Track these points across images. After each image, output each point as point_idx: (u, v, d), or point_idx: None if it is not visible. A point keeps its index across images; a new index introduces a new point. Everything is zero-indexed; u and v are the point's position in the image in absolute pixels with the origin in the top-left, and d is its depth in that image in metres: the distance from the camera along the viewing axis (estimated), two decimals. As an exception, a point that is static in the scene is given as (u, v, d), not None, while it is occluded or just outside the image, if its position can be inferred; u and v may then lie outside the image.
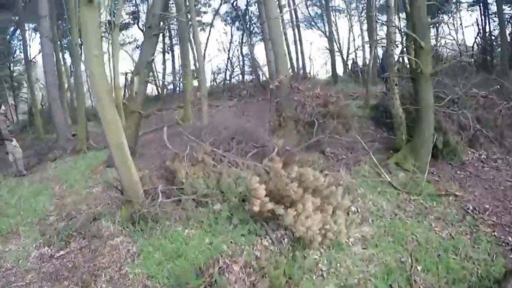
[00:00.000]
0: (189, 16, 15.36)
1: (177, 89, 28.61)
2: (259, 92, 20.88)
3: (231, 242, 6.89)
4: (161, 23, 12.54)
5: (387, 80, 17.20)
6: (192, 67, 19.83)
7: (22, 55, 25.37)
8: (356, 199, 8.29)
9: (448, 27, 24.39)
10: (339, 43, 28.09)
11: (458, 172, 9.79)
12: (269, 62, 17.53)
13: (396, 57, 11.42)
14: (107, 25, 9.78)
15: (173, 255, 6.60)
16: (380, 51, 21.56)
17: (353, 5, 28.61)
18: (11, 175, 12.74)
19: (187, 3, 15.31)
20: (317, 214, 6.66)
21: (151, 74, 17.56)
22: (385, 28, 23.53)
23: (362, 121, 13.02)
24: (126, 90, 28.23)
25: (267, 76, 25.93)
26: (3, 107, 14.05)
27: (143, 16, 29.20)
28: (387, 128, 12.35)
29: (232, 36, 30.29)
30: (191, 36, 16.99)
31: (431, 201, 8.27)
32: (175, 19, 19.78)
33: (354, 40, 28.66)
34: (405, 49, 11.46)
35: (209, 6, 29.39)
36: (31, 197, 9.85)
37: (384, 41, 13.66)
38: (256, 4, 23.49)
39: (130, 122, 11.64)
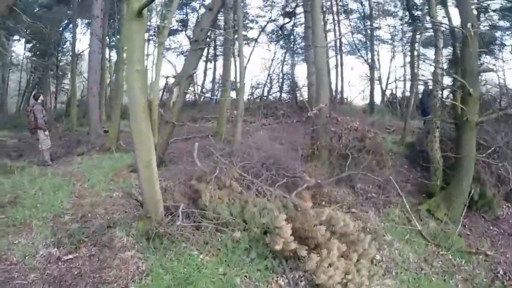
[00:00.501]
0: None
1: (215, 98, 28.28)
2: (294, 114, 20.23)
3: (246, 276, 6.34)
4: (208, 38, 12.17)
5: (425, 116, 16.71)
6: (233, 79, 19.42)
7: (70, 47, 25.93)
8: (382, 246, 7.73)
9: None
10: (380, 72, 27.34)
11: (491, 227, 9.28)
12: (309, 85, 16.99)
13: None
14: (156, 29, 9.47)
15: (183, 281, 6.06)
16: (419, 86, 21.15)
17: (398, 36, 27.58)
18: (37, 163, 12.73)
19: (235, 19, 14.87)
20: (340, 261, 6.20)
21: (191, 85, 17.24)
22: (427, 62, 23.33)
23: (396, 157, 12.35)
24: (164, 93, 28.48)
25: (305, 98, 25.77)
26: (41, 97, 14.04)
27: (191, 25, 29.28)
28: (421, 169, 11.73)
29: (275, 53, 29.96)
30: (236, 53, 16.63)
31: (460, 258, 7.78)
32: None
33: (395, 70, 27.77)
34: (450, 94, 10.72)
35: (256, 23, 29.16)
36: (51, 190, 9.49)
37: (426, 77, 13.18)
38: (303, 27, 23.10)
39: (163, 131, 11.34)
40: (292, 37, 28.87)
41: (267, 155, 9.43)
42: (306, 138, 12.43)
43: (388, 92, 26.87)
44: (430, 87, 16.49)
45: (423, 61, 23.32)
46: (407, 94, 25.42)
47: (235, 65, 18.13)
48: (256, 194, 7.85)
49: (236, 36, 14.18)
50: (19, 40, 28.57)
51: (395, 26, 24.55)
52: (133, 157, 12.36)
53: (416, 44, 21.23)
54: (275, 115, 20.44)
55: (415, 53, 22.78)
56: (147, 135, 6.52)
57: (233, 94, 21.52)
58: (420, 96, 17.76)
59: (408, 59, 26.01)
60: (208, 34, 12.03)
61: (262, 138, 13.61)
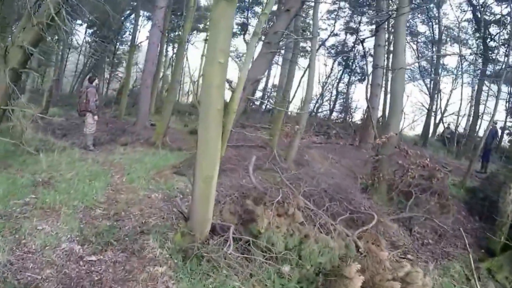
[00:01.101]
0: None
1: (265, 106, 27.33)
2: (347, 135, 19.00)
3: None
4: (280, 42, 11.08)
5: (487, 159, 15.33)
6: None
7: (129, 37, 25.92)
8: None
9: None
10: (438, 103, 25.41)
11: None
12: (371, 108, 15.65)
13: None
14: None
15: (216, 315, 4.96)
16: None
17: (465, 66, 25.56)
18: (80, 145, 12.14)
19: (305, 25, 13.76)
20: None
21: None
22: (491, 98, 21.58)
23: (454, 202, 10.84)
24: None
25: (356, 120, 24.55)
26: (96, 80, 13.56)
27: (250, 29, 28.53)
28: (480, 219, 10.51)
29: (331, 69, 28.68)
30: (305, 62, 15.59)
31: None
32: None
33: (453, 103, 25.98)
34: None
35: (318, 35, 27.93)
36: (87, 178, 8.75)
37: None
38: (370, 48, 21.95)
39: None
40: (352, 54, 27.39)
41: (329, 181, 8.48)
42: (367, 166, 11.36)
43: (442, 126, 25.05)
44: (497, 128, 15.24)
45: (488, 96, 22.15)
46: (461, 130, 24.04)
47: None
48: (318, 227, 6.70)
49: (304, 44, 13.00)
50: (81, 24, 28.88)
51: (463, 55, 22.52)
52: (178, 156, 11.49)
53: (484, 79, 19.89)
54: (327, 134, 19.15)
55: (484, 87, 21.39)
56: (216, 146, 5.52)
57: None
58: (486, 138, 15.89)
59: (468, 92, 24.80)
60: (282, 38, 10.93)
61: (316, 158, 12.56)
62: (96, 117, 12.17)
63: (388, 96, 19.31)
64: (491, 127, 15.08)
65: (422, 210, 9.49)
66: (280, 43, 11.71)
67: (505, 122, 22.16)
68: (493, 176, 12.13)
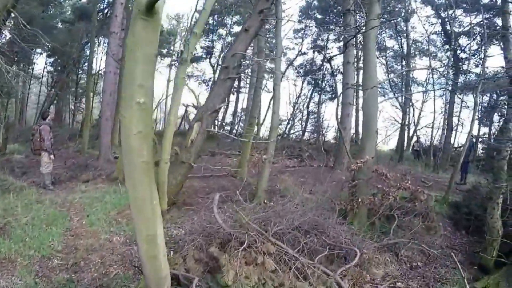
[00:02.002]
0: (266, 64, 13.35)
1: (234, 131, 26.68)
2: (320, 157, 18.52)
3: None
4: (240, 66, 10.49)
5: (465, 170, 15.12)
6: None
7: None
8: None
9: None
10: (411, 117, 25.33)
11: None
12: (344, 129, 15.22)
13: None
14: (179, 54, 7.74)
15: None
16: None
17: (436, 79, 25.36)
18: (39, 184, 11.50)
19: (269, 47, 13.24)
20: None
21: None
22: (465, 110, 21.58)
23: (438, 218, 10.39)
24: (183, 123, 27.01)
25: (329, 140, 24.14)
26: (49, 117, 12.93)
27: (216, 52, 28.10)
28: (467, 233, 10.27)
29: (301, 89, 28.39)
30: (268, 86, 15.01)
31: None
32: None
33: (425, 116, 25.99)
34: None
35: (285, 55, 27.65)
36: (45, 222, 8.08)
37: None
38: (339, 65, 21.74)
39: (177, 172, 9.54)
40: (321, 73, 27.13)
41: (303, 214, 7.76)
42: (344, 191, 10.78)
43: (414, 140, 24.58)
44: (474, 140, 15.00)
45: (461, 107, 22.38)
46: (436, 142, 24.04)
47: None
48: (294, 271, 5.99)
49: (271, 65, 12.41)
50: (41, 53, 28.04)
51: (434, 68, 22.04)
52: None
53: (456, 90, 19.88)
54: (300, 157, 18.68)
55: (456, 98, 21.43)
56: (149, 204, 4.56)
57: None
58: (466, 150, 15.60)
59: (441, 104, 24.74)
60: (241, 61, 10.37)
61: (289, 185, 11.96)
62: (52, 156, 11.45)
63: (360, 113, 19.07)
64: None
65: (407, 233, 9.04)
66: (241, 67, 11.14)
67: (478, 132, 22.52)
68: (475, 189, 11.88)
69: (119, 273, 6.36)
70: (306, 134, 26.43)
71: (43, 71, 29.59)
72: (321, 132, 24.39)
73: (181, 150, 9.61)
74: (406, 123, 23.85)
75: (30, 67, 28.46)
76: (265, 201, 10.36)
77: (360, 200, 9.32)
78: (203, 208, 8.71)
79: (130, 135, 4.09)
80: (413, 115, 24.93)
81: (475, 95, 13.43)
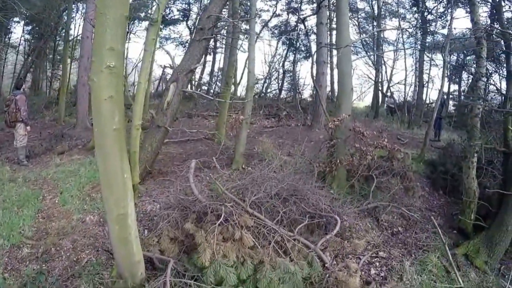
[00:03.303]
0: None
1: (212, 91, 25.80)
2: (298, 116, 18.03)
3: None
4: (215, 28, 9.74)
5: (439, 127, 15.05)
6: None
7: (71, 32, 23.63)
8: None
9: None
10: (384, 75, 24.79)
11: None
12: (320, 87, 14.62)
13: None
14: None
15: None
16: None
17: (405, 38, 25.27)
18: (13, 160, 10.58)
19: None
20: None
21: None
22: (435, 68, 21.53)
23: (416, 177, 9.94)
24: (160, 84, 25.98)
25: (306, 98, 23.51)
26: (24, 86, 11.68)
27: (193, 15, 26.77)
28: (444, 193, 9.93)
29: (276, 49, 27.44)
30: (244, 47, 14.20)
31: None
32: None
33: (397, 73, 25.84)
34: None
35: (260, 17, 26.48)
36: (16, 204, 7.38)
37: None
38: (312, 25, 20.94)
39: (153, 138, 8.84)
40: (295, 33, 26.15)
41: (281, 179, 7.16)
42: (322, 151, 10.21)
43: (389, 96, 24.27)
44: (445, 97, 14.83)
45: (431, 66, 22.64)
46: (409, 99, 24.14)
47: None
48: (273, 246, 5.49)
49: (246, 27, 11.59)
50: (18, 22, 26.11)
51: (404, 29, 22.40)
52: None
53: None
54: (277, 116, 18.06)
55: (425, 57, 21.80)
56: (121, 177, 4.08)
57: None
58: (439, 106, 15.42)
59: (412, 62, 25.31)
60: (216, 22, 9.61)
61: (268, 147, 11.36)
62: (28, 127, 10.47)
63: (335, 71, 18.65)
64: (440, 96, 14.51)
65: (386, 196, 8.71)
66: (217, 28, 10.35)
67: (448, 89, 22.52)
68: (450, 147, 11.48)
69: (92, 259, 5.80)
70: (283, 92, 25.71)
71: (20, 40, 27.90)
72: (297, 91, 23.72)
73: (157, 113, 8.90)
74: (380, 80, 23.38)
75: (7, 37, 26.77)
76: (243, 166, 9.89)
77: (338, 161, 8.82)
78: (179, 178, 8.14)
79: (100, 100, 3.72)
80: (386, 73, 24.71)
81: (443, 54, 13.21)
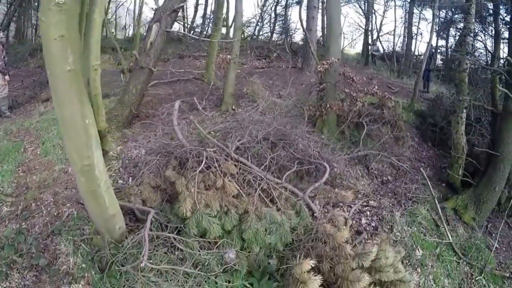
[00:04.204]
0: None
1: (204, 34, 24.80)
2: (288, 58, 17.32)
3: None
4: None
5: (428, 78, 14.86)
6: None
7: None
8: (414, 265, 6.01)
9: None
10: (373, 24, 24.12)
11: None
12: (310, 31, 13.97)
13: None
14: None
15: None
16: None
17: None
18: None
19: None
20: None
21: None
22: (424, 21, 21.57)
23: (406, 127, 9.82)
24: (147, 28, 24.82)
25: (297, 42, 22.75)
26: (2, 34, 10.81)
27: None
28: (433, 145, 10.06)
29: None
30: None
31: (493, 284, 6.35)
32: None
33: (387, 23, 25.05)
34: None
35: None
36: None
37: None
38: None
39: (137, 80, 8.36)
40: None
41: (269, 122, 6.79)
42: (312, 95, 9.83)
43: (380, 45, 23.55)
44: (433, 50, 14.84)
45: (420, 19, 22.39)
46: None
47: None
48: (259, 193, 5.19)
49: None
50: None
51: None
52: (104, 106, 9.59)
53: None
54: (268, 58, 17.42)
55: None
56: (81, 123, 3.62)
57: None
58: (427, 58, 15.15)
59: (401, 13, 24.08)
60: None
61: (258, 89, 10.87)
62: (7, 76, 9.69)
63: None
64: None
65: (376, 144, 8.55)
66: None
67: (437, 43, 21.98)
68: (438, 99, 11.33)
69: (73, 213, 5.48)
70: (274, 36, 24.76)
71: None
72: (288, 34, 22.90)
73: (140, 54, 8.38)
74: (369, 28, 22.98)
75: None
76: (233, 107, 9.49)
77: (328, 105, 8.46)
78: (164, 121, 7.77)
79: (49, 40, 3.20)
80: (375, 22, 24.10)
81: (433, 8, 13.58)
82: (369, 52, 21.58)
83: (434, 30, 14.28)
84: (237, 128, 6.37)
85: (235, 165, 5.26)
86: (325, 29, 20.45)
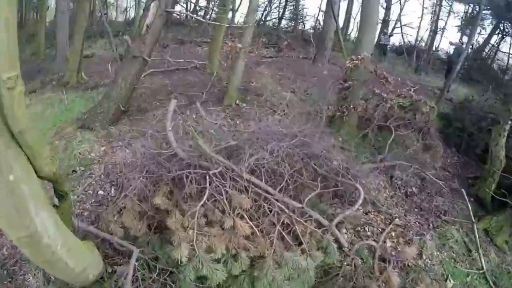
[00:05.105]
0: None
1: (208, 17, 23.34)
2: (299, 47, 16.34)
3: None
4: None
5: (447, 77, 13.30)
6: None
7: None
8: None
9: None
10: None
11: None
12: (326, 15, 12.88)
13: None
14: None
15: None
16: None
17: None
18: None
19: None
20: None
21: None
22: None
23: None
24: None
25: (308, 29, 21.49)
26: None
27: None
28: (458, 151, 9.03)
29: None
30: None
31: None
32: None
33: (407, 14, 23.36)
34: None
35: None
36: None
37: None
38: None
39: (127, 71, 7.17)
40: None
41: (286, 127, 5.63)
42: (332, 92, 8.50)
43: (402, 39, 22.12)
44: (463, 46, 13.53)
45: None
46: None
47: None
48: (279, 230, 4.01)
49: None
50: None
51: None
52: (89, 100, 8.43)
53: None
54: (277, 46, 16.25)
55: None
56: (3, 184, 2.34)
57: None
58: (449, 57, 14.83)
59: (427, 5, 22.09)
60: None
61: (267, 82, 9.69)
62: None
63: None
64: (455, 46, 14.19)
65: (403, 152, 7.56)
66: None
67: (461, 40, 19.96)
68: (468, 102, 10.38)
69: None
70: (284, 22, 23.37)
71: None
72: (299, 20, 21.52)
73: (133, 40, 7.14)
74: (388, 19, 21.03)
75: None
76: (237, 102, 8.29)
77: (352, 106, 7.40)
78: (156, 120, 6.64)
79: None
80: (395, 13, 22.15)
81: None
82: (379, 42, 20.26)
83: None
84: (249, 140, 5.06)
85: (247, 189, 4.09)
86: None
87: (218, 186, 4.01)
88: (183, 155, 4.49)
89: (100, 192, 5.21)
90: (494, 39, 18.64)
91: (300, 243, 4.06)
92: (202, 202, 3.82)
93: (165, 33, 14.13)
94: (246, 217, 3.89)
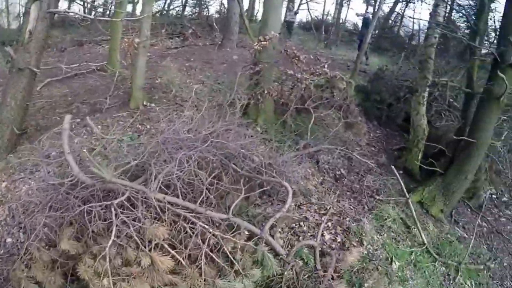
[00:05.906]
0: None
1: (108, 13, 21.86)
2: (205, 33, 15.87)
3: None
4: None
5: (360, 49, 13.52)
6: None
7: None
8: (394, 283, 5.11)
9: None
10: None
11: (481, 222, 7.33)
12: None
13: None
14: None
15: None
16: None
17: None
18: None
19: None
20: None
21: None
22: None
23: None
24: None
25: (212, 14, 20.94)
26: None
27: None
28: (379, 124, 9.35)
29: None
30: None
31: (469, 279, 5.98)
32: None
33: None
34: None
35: None
36: None
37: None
38: None
39: (15, 87, 6.13)
40: None
41: (195, 127, 5.00)
42: (244, 79, 7.96)
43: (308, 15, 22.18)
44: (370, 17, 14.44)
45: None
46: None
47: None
48: (206, 252, 3.50)
49: None
50: None
51: None
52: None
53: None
54: (183, 35, 15.54)
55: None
56: None
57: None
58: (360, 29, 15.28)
59: None
60: None
61: (173, 77, 9.02)
62: None
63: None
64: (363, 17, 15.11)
65: (326, 133, 7.49)
66: None
67: (366, 10, 20.89)
68: (382, 72, 10.30)
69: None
70: (187, 9, 22.61)
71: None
72: (203, 6, 20.96)
73: (16, 50, 6.17)
74: None
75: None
76: (144, 103, 7.53)
77: (265, 91, 7.02)
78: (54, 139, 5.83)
79: None
80: None
81: None
82: (285, 20, 20.13)
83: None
84: (156, 151, 4.42)
85: (163, 210, 3.53)
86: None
87: (128, 216, 3.42)
88: (88, 181, 3.77)
89: (9, 240, 4.37)
90: (399, 6, 19.34)
91: (232, 263, 3.61)
92: (110, 242, 3.23)
93: (62, 36, 13.64)
94: (166, 246, 3.33)
